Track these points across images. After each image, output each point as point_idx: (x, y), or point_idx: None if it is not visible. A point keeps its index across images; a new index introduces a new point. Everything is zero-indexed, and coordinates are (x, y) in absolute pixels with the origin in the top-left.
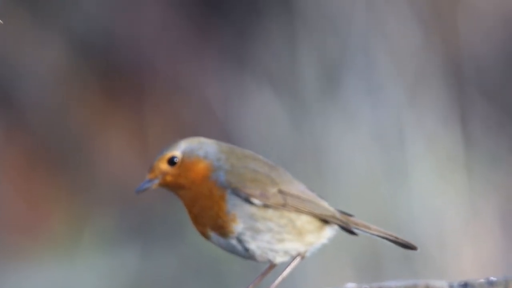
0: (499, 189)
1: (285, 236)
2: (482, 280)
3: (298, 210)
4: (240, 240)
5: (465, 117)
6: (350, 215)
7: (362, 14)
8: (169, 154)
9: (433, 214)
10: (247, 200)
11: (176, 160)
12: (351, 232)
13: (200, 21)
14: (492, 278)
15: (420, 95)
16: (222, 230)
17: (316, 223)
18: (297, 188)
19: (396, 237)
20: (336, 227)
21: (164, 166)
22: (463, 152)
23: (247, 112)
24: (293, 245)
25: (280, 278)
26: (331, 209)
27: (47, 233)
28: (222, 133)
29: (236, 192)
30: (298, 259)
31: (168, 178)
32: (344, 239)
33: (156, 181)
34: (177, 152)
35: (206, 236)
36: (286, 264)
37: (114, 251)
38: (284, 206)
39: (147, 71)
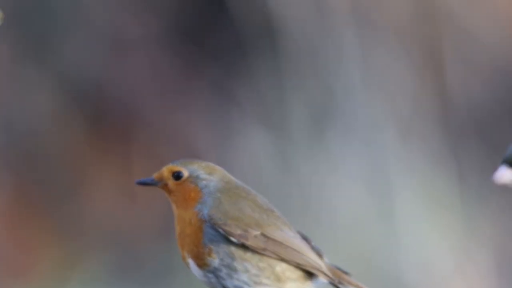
0: (494, 232)
1: (262, 280)
2: None
3: (279, 256)
4: (216, 276)
5: (458, 159)
6: (346, 273)
7: (352, 55)
8: (179, 168)
9: (425, 258)
10: (226, 237)
11: (181, 177)
12: None
13: (188, 66)
14: None
15: (412, 136)
16: (198, 260)
17: (298, 272)
18: (283, 234)
19: None
20: (325, 281)
21: (168, 175)
22: (457, 194)
23: (234, 154)
24: None
25: None
26: (318, 262)
27: (38, 278)
28: None
29: (215, 228)
30: None
31: (165, 188)
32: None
33: (158, 184)
34: (186, 171)
35: (185, 261)
36: None
37: None
38: (264, 250)
39: (134, 116)
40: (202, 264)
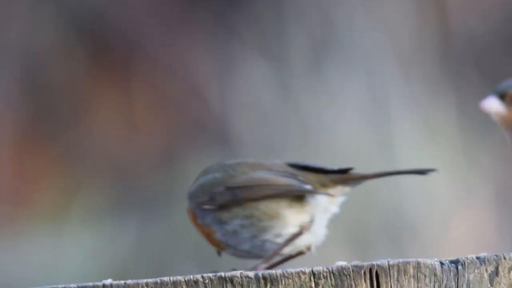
0: (494, 164)
1: (259, 224)
2: (473, 257)
3: (253, 197)
4: (231, 247)
5: (458, 90)
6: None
7: None
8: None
9: (425, 189)
10: (204, 209)
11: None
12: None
13: None
14: (483, 255)
15: (412, 68)
16: (215, 246)
17: (285, 201)
18: (247, 177)
19: (400, 171)
20: (319, 196)
21: None
22: (457, 125)
23: (234, 84)
24: (280, 230)
25: (273, 257)
26: (289, 181)
27: (37, 205)
28: (207, 108)
29: (197, 207)
30: (295, 237)
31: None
32: (333, 218)
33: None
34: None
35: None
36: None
37: (101, 224)
38: (233, 200)
39: (135, 46)
40: (218, 246)
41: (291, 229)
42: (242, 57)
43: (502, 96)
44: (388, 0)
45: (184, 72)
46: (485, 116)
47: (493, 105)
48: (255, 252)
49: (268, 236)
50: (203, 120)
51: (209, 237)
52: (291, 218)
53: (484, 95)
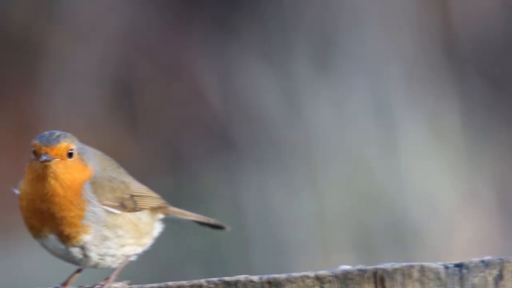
0: (497, 168)
1: (127, 241)
2: (477, 261)
3: (143, 209)
4: (83, 248)
5: (462, 94)
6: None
7: None
8: (70, 145)
9: (429, 193)
10: (107, 211)
11: (72, 153)
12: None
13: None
14: (487, 259)
15: (417, 72)
16: (67, 238)
17: (151, 222)
18: (138, 185)
19: (207, 220)
20: (160, 222)
21: (64, 153)
22: (461, 130)
23: (237, 90)
24: (131, 248)
25: (113, 276)
26: (156, 194)
27: None
28: (210, 112)
29: (97, 205)
30: (129, 259)
31: (60, 165)
32: (338, 223)
33: (57, 160)
34: (74, 146)
35: (39, 235)
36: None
37: None
38: (134, 209)
39: (137, 50)
40: (70, 240)
41: (137, 251)
42: (245, 61)
43: None
44: (391, 4)
45: (186, 76)
46: (489, 121)
47: None
48: (87, 262)
49: (119, 253)
50: (206, 125)
51: (73, 234)
52: (144, 241)
53: (488, 99)
